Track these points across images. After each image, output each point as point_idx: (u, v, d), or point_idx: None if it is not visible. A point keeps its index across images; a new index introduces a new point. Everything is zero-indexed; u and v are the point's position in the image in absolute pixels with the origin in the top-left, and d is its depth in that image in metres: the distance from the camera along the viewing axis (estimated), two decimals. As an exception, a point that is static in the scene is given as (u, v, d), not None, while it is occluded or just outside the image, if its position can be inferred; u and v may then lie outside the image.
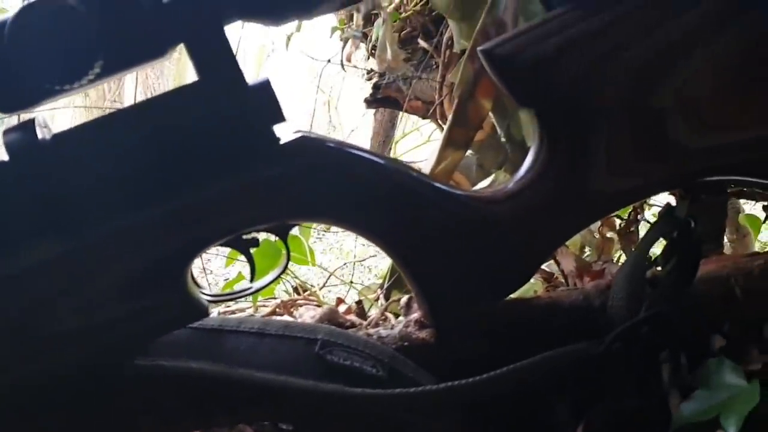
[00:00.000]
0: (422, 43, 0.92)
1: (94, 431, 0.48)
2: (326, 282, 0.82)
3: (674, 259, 0.52)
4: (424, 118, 0.99)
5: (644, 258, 0.53)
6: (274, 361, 0.49)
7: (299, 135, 0.47)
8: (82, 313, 0.46)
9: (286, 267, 0.51)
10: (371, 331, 0.53)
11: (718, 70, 0.48)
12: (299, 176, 0.47)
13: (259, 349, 0.49)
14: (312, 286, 0.80)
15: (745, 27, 0.48)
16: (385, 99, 1.02)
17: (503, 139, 0.70)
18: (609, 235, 0.79)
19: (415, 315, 0.54)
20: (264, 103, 0.46)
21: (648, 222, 0.84)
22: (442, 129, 0.98)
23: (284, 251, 0.50)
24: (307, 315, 0.67)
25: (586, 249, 0.83)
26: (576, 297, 0.54)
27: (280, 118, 0.47)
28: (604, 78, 0.48)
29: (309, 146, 0.47)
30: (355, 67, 0.89)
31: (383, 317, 0.57)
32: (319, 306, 0.67)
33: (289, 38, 1.21)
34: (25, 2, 0.40)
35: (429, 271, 0.50)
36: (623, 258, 0.84)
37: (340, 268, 0.84)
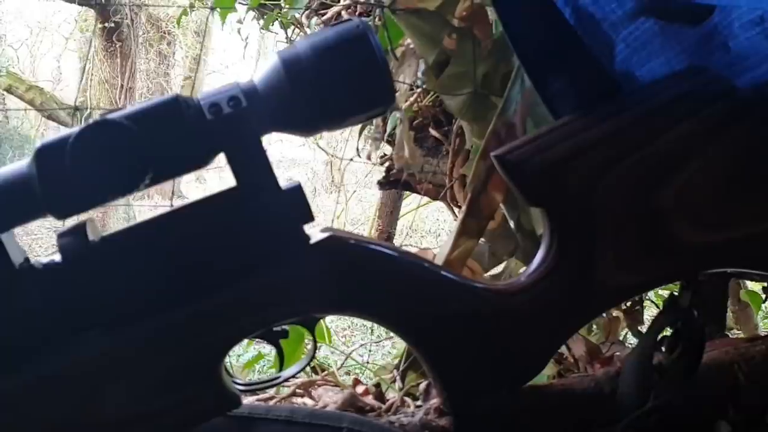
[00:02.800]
0: (433, 132, 0.98)
1: None
2: (344, 363, 0.85)
3: (679, 348, 0.55)
4: (435, 199, 1.03)
5: (651, 347, 0.55)
6: (301, 448, 0.51)
7: (326, 234, 0.51)
8: (123, 406, 0.48)
9: (313, 356, 0.53)
10: (392, 418, 0.55)
11: (715, 173, 0.52)
12: (326, 273, 0.50)
13: (288, 435, 0.52)
14: (329, 366, 0.82)
15: (738, 135, 0.52)
16: (397, 181, 1.07)
17: (514, 229, 0.74)
18: (615, 314, 0.82)
19: (434, 402, 0.56)
20: (295, 205, 0.50)
21: (652, 301, 0.87)
22: (451, 208, 1.03)
23: (310, 339, 0.53)
24: (326, 396, 0.69)
25: (594, 328, 0.86)
26: (588, 384, 0.57)
27: (309, 218, 0.50)
28: (609, 181, 0.52)
29: (335, 245, 0.51)
30: (374, 163, 0.94)
31: (402, 402, 0.60)
32: (337, 386, 0.69)
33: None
34: (89, 121, 0.44)
35: (446, 360, 0.53)
36: (629, 336, 0.86)
37: (357, 348, 0.87)
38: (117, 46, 5.70)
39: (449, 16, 0.76)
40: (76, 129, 0.45)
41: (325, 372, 0.70)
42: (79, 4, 5.06)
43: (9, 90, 5.58)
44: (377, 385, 0.66)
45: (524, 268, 0.73)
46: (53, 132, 7.93)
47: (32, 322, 0.47)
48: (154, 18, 6.37)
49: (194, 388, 0.49)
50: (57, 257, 0.49)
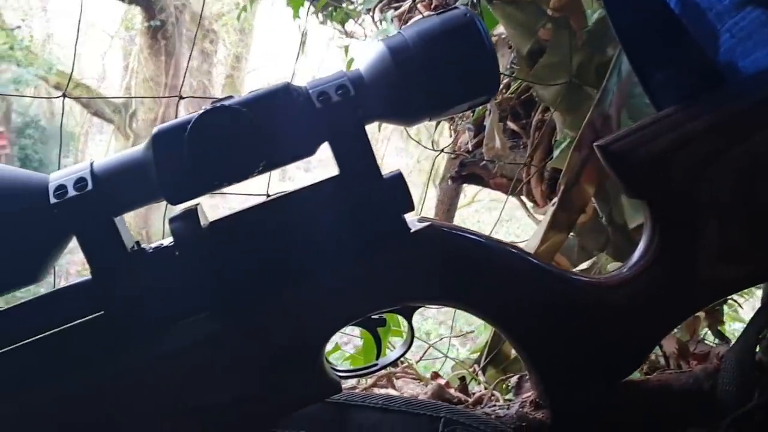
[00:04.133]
0: (511, 124, 0.97)
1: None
2: (423, 355, 0.85)
3: (782, 345, 0.54)
4: (506, 194, 1.02)
5: (753, 344, 0.54)
6: (398, 436, 0.51)
7: (427, 224, 0.51)
8: (226, 390, 0.49)
9: (410, 345, 0.53)
10: (487, 410, 0.55)
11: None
12: (426, 263, 0.50)
13: (384, 424, 0.52)
14: (407, 359, 0.82)
15: None
16: (469, 176, 1.07)
17: (605, 223, 0.73)
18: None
19: (529, 395, 0.56)
20: (396, 193, 0.50)
21: (734, 300, 0.85)
22: (523, 203, 1.02)
23: (408, 330, 0.53)
24: (406, 388, 0.69)
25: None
26: (686, 380, 0.56)
27: (410, 207, 0.51)
28: (714, 173, 0.51)
29: (436, 234, 0.51)
30: (465, 153, 0.94)
31: (492, 396, 0.60)
32: (418, 379, 0.69)
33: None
34: (206, 107, 0.45)
35: (544, 352, 0.53)
36: (709, 335, 0.85)
37: (436, 342, 0.87)
38: (161, 44, 5.79)
39: (544, 6, 0.76)
40: (192, 115, 0.45)
41: (405, 364, 0.70)
42: (129, 3, 5.15)
43: (57, 87, 5.71)
44: (462, 379, 0.66)
45: (614, 263, 0.73)
46: (97, 129, 8.09)
47: (141, 305, 0.48)
48: (197, 16, 6.44)
49: (297, 373, 0.49)
50: (165, 242, 0.50)
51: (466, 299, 0.52)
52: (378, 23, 1.22)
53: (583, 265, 0.80)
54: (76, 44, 0.98)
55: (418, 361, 0.74)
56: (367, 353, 0.70)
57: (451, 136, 1.11)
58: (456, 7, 0.49)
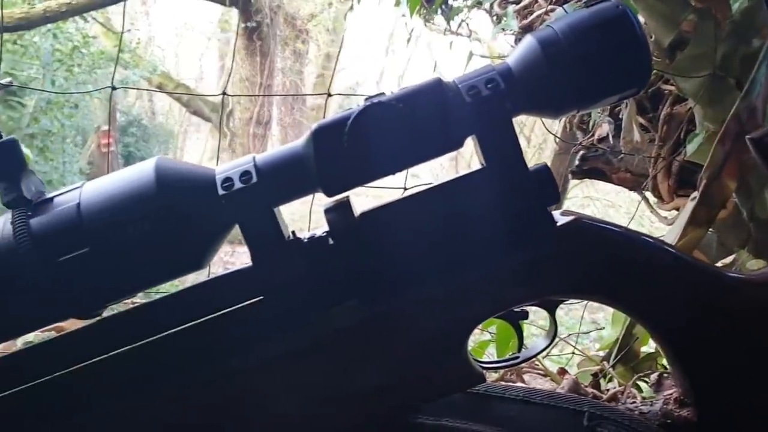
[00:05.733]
0: (638, 118, 0.95)
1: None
2: (549, 351, 0.84)
3: None
4: (631, 190, 1.00)
5: None
6: (540, 428, 0.52)
7: (573, 217, 0.51)
8: (373, 376, 0.50)
9: (553, 339, 0.54)
10: (629, 406, 0.55)
11: None
12: (573, 256, 0.50)
13: (527, 416, 0.52)
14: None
15: None
16: (591, 170, 1.05)
17: (746, 219, 0.71)
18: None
19: (671, 392, 0.55)
20: (543, 186, 0.50)
21: None
22: (645, 199, 1.00)
23: (551, 324, 0.53)
24: (533, 384, 0.70)
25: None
26: None
27: (556, 199, 0.51)
28: None
29: (584, 228, 0.51)
30: (605, 150, 0.93)
31: (629, 393, 0.59)
32: (545, 375, 0.69)
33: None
34: (366, 102, 0.46)
35: (691, 350, 0.52)
36: None
37: (566, 337, 0.86)
38: (257, 44, 5.97)
39: (687, -3, 0.74)
40: (350, 111, 0.47)
41: (531, 359, 0.70)
42: (228, 5, 5.33)
43: (160, 87, 5.98)
44: (594, 375, 0.66)
45: (755, 260, 0.70)
46: (195, 128, 8.42)
47: (297, 291, 0.50)
48: (291, 17, 6.61)
49: (442, 363, 0.51)
50: (318, 232, 0.52)
51: (612, 294, 0.52)
52: (495, 18, 1.22)
53: (723, 262, 0.77)
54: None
55: (544, 357, 0.74)
56: (501, 346, 0.71)
57: (566, 128, 1.10)
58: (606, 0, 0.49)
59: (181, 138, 8.24)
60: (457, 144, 0.49)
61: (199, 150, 7.97)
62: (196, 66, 8.38)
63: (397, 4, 1.47)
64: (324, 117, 0.51)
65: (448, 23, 1.52)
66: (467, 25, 1.63)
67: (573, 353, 0.81)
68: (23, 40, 4.01)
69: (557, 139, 1.12)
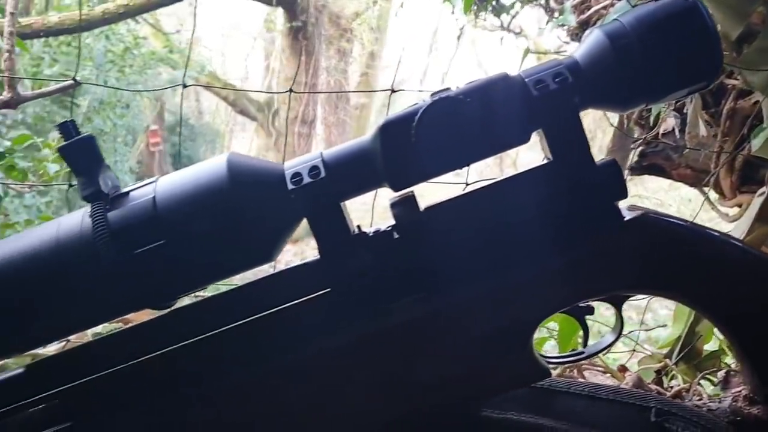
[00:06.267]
0: (703, 113, 0.93)
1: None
2: (610, 347, 0.84)
3: None
4: (691, 186, 0.99)
5: None
6: (607, 423, 0.51)
7: (641, 212, 0.51)
8: (438, 369, 0.51)
9: (620, 334, 0.53)
10: (698, 402, 0.54)
11: None
12: (641, 251, 0.50)
13: (592, 411, 0.52)
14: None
15: None
16: (650, 166, 1.04)
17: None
18: None
19: (737, 390, 0.54)
20: (610, 181, 0.50)
21: None
22: (705, 196, 0.98)
23: (617, 319, 0.53)
24: (593, 381, 0.69)
25: None
26: None
27: (623, 194, 0.50)
28: None
29: (651, 223, 0.50)
30: (671, 144, 0.92)
31: (696, 391, 0.58)
32: (605, 372, 0.69)
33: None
34: (436, 96, 0.47)
35: (761, 347, 0.51)
36: None
37: (630, 333, 0.85)
38: (302, 44, 6.02)
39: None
40: (417, 106, 0.48)
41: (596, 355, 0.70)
42: (274, 5, 5.39)
43: (207, 87, 6.08)
44: (657, 372, 0.65)
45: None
46: (240, 127, 8.55)
47: (363, 284, 0.51)
48: (335, 16, 6.64)
49: (508, 357, 0.51)
50: (383, 226, 0.52)
51: (680, 288, 0.51)
52: (550, 14, 1.21)
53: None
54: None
55: (604, 354, 0.73)
56: (563, 341, 0.70)
57: (622, 125, 1.08)
58: (675, -8, 0.49)
59: (227, 137, 8.37)
60: (525, 138, 0.49)
61: (245, 149, 8.09)
62: (242, 66, 8.50)
63: (445, 0, 1.47)
64: (387, 114, 0.51)
65: (499, 18, 1.51)
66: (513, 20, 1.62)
67: (634, 350, 0.81)
68: (76, 42, 4.12)
69: (615, 135, 1.10)
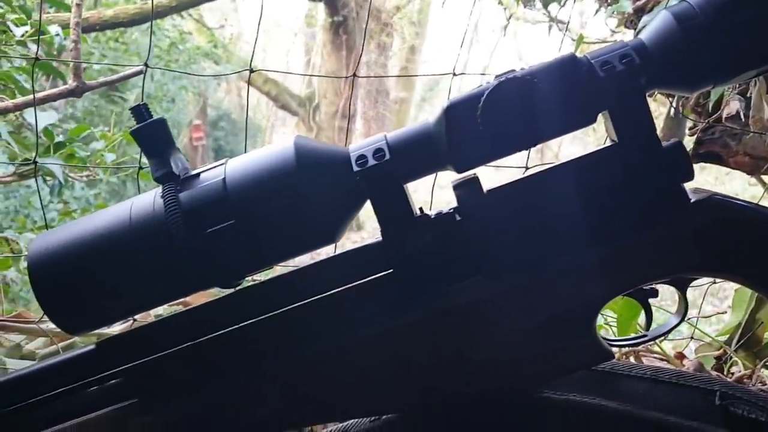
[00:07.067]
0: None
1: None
2: (668, 334, 0.83)
3: None
4: (749, 174, 0.97)
5: None
6: (671, 407, 0.51)
7: (707, 194, 0.50)
8: (500, 349, 0.51)
9: (683, 318, 0.53)
10: (763, 388, 0.53)
11: None
12: (709, 233, 0.49)
13: (655, 394, 0.52)
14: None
15: None
16: (706, 154, 1.02)
17: None
18: None
19: (806, 376, 0.53)
20: (676, 162, 0.50)
21: None
22: (764, 184, 0.96)
23: (681, 302, 0.53)
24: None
25: None
26: None
27: (690, 176, 0.50)
28: None
29: (718, 205, 0.50)
30: (736, 128, 0.90)
31: (758, 377, 0.57)
32: (663, 358, 0.68)
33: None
34: (502, 76, 0.47)
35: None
36: None
37: (690, 319, 0.84)
38: (343, 39, 6.04)
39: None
40: (482, 87, 0.48)
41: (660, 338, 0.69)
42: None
43: (250, 83, 6.15)
44: (718, 359, 0.64)
45: None
46: (281, 122, 8.63)
47: (425, 266, 0.51)
48: (376, 10, 6.65)
49: (571, 338, 0.51)
50: (445, 209, 0.53)
51: (747, 271, 0.51)
52: (603, 2, 1.19)
53: None
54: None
55: (661, 341, 0.73)
56: (622, 327, 0.70)
57: (678, 113, 1.07)
58: (745, -29, 0.48)
59: (268, 132, 8.46)
60: (590, 119, 0.49)
61: (286, 143, 8.14)
62: (283, 61, 8.57)
63: (490, -9, 1.47)
64: (448, 97, 0.51)
65: (547, 9, 1.50)
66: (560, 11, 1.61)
67: (692, 337, 0.80)
68: (124, 38, 4.21)
69: (666, 123, 1.09)
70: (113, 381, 0.55)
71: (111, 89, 4.12)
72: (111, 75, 0.94)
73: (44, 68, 1.07)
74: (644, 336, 0.54)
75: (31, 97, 0.88)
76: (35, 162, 0.86)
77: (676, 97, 1.05)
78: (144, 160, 0.79)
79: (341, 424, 0.57)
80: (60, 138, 1.14)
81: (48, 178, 1.06)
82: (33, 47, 1.09)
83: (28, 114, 1.01)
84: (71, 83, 0.87)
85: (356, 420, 0.56)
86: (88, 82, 0.88)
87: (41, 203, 0.86)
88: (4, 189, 3.03)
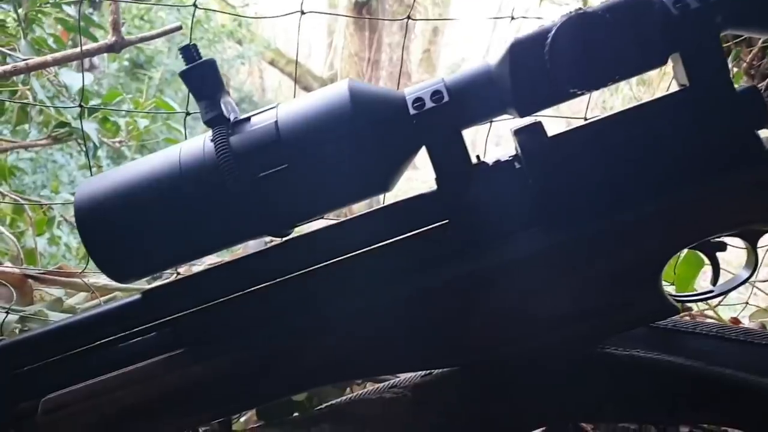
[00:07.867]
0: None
1: (563, 407, 0.52)
2: (722, 299, 0.81)
3: None
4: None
5: None
6: (742, 364, 0.49)
7: (783, 141, 0.48)
8: (562, 304, 0.49)
9: (752, 273, 0.51)
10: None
11: None
12: (784, 182, 0.47)
13: (724, 351, 0.50)
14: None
15: None
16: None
17: None
18: None
19: None
20: (751, 107, 0.47)
21: None
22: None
23: (751, 256, 0.50)
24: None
25: None
26: None
27: (765, 123, 0.47)
28: None
29: (795, 152, 0.47)
30: None
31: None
32: (720, 322, 0.66)
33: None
34: (572, 12, 0.45)
35: None
36: None
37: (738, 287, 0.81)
38: (366, 20, 5.99)
39: None
40: (548, 25, 0.46)
41: (705, 307, 0.67)
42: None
43: (272, 63, 6.14)
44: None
45: None
46: (303, 103, 8.61)
47: (483, 215, 0.49)
48: (400, -8, 6.58)
49: (636, 293, 0.49)
50: (503, 157, 0.51)
51: (823, 224, 0.48)
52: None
53: None
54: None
55: (716, 305, 0.70)
56: (682, 281, 0.67)
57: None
58: None
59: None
60: (661, 61, 0.47)
61: (307, 125, 8.12)
62: (305, 43, 8.52)
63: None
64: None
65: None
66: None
67: (747, 303, 0.77)
68: (149, 16, 4.21)
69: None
70: (158, 331, 0.54)
71: (136, 66, 4.13)
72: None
73: (86, 21, 1.06)
74: (710, 291, 0.52)
75: (68, 52, 0.87)
76: (79, 119, 0.85)
77: (730, 56, 1.02)
78: (191, 106, 0.77)
79: (391, 380, 0.56)
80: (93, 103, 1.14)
81: (80, 141, 1.05)
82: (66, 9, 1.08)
83: (64, 75, 1.01)
84: (110, 38, 0.86)
85: (408, 374, 0.55)
86: (126, 38, 0.86)
87: (88, 159, 0.84)
88: (32, 164, 3.05)
